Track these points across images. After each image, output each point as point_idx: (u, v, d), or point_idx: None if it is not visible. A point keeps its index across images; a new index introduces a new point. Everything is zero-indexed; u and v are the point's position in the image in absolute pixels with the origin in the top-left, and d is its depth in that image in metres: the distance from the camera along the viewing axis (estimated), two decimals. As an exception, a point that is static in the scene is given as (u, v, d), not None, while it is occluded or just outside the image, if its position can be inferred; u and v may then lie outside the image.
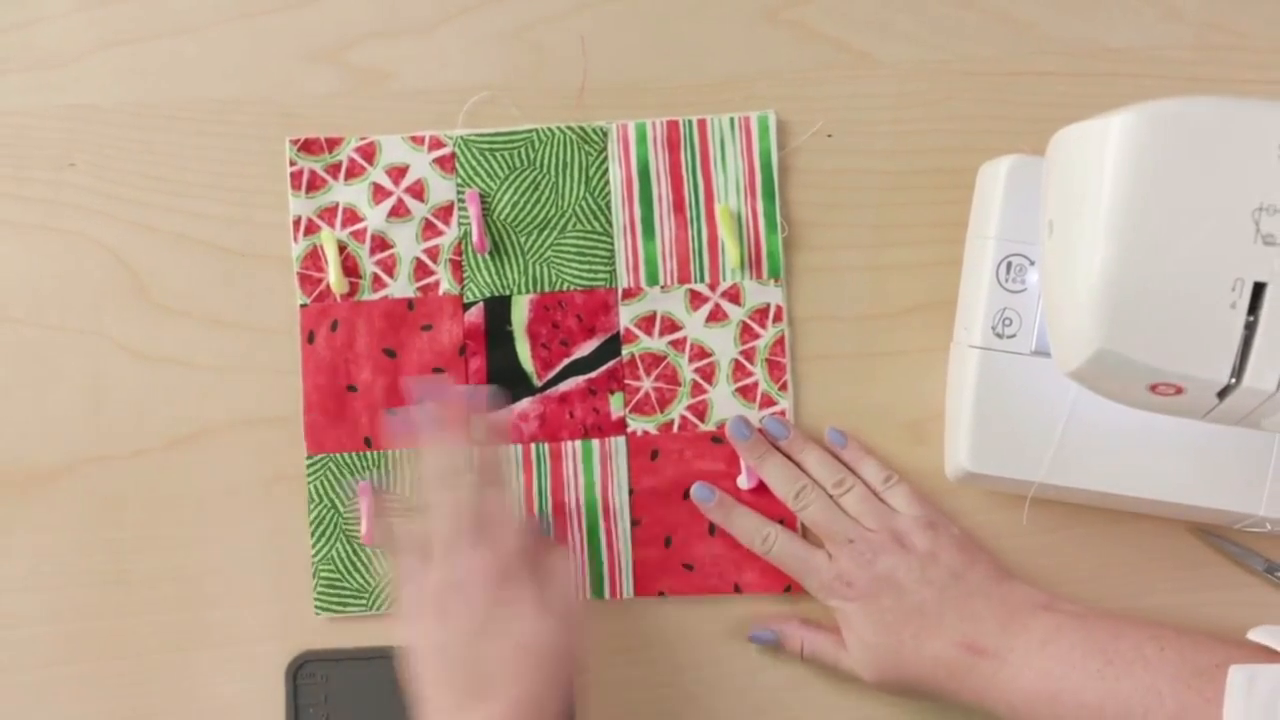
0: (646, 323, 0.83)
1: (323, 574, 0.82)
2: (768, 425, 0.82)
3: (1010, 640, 0.73)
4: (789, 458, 0.82)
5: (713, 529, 0.82)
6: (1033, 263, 0.77)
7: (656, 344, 0.83)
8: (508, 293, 0.83)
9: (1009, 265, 0.77)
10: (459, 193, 0.83)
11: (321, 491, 0.82)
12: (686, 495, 0.83)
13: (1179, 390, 0.63)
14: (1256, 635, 0.68)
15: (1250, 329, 0.61)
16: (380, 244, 0.83)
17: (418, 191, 0.83)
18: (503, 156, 0.83)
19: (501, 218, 0.83)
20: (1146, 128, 0.62)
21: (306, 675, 0.82)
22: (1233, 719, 0.64)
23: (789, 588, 0.82)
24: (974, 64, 0.84)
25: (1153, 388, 0.63)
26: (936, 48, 0.84)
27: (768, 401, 0.83)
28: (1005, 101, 0.83)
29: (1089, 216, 0.63)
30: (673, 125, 0.83)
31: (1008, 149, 0.79)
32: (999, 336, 0.77)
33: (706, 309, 0.83)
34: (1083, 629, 0.73)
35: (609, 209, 0.83)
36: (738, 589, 0.82)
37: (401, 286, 0.83)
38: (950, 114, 0.84)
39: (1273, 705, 0.63)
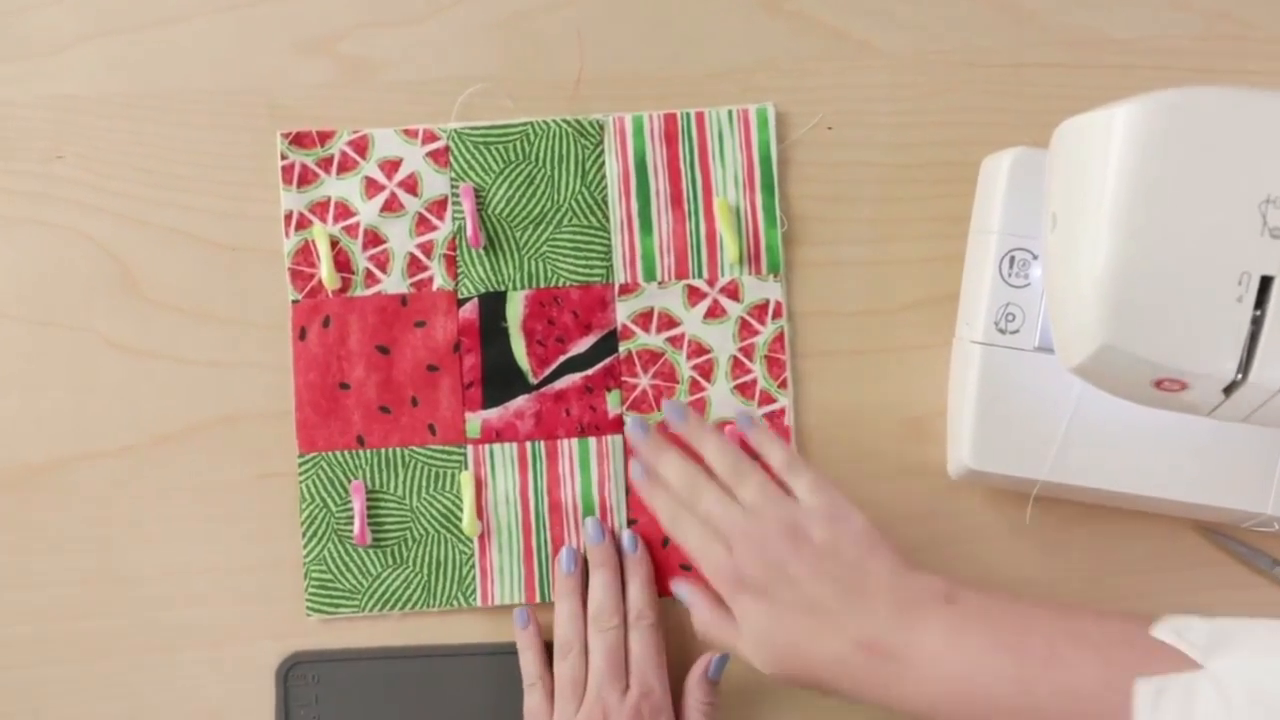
0: (644, 319, 0.84)
1: (314, 575, 0.83)
2: (666, 412, 0.80)
3: (912, 638, 0.70)
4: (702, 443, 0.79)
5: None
6: (1036, 257, 0.77)
7: (654, 340, 0.84)
8: (503, 288, 0.83)
9: (1012, 259, 0.77)
10: (453, 187, 0.84)
11: (313, 491, 0.82)
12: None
13: (1184, 386, 0.63)
14: (1162, 633, 0.64)
15: (1257, 323, 0.61)
16: (373, 239, 0.83)
17: (411, 186, 0.84)
18: (497, 150, 0.83)
19: (496, 212, 0.83)
20: (1152, 119, 0.63)
21: (297, 676, 0.82)
22: None
23: None
24: (976, 54, 0.84)
25: (1157, 383, 0.63)
26: (938, 38, 0.84)
27: (767, 399, 0.83)
28: (1008, 93, 0.84)
29: (1093, 210, 0.63)
30: (670, 118, 0.83)
31: (1011, 141, 0.79)
32: (1002, 332, 0.77)
33: (705, 305, 0.84)
34: (988, 625, 0.69)
35: (605, 203, 0.83)
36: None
37: (395, 282, 0.83)
38: (952, 106, 0.84)
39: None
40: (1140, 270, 0.62)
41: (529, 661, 0.80)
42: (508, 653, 0.81)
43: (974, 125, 0.83)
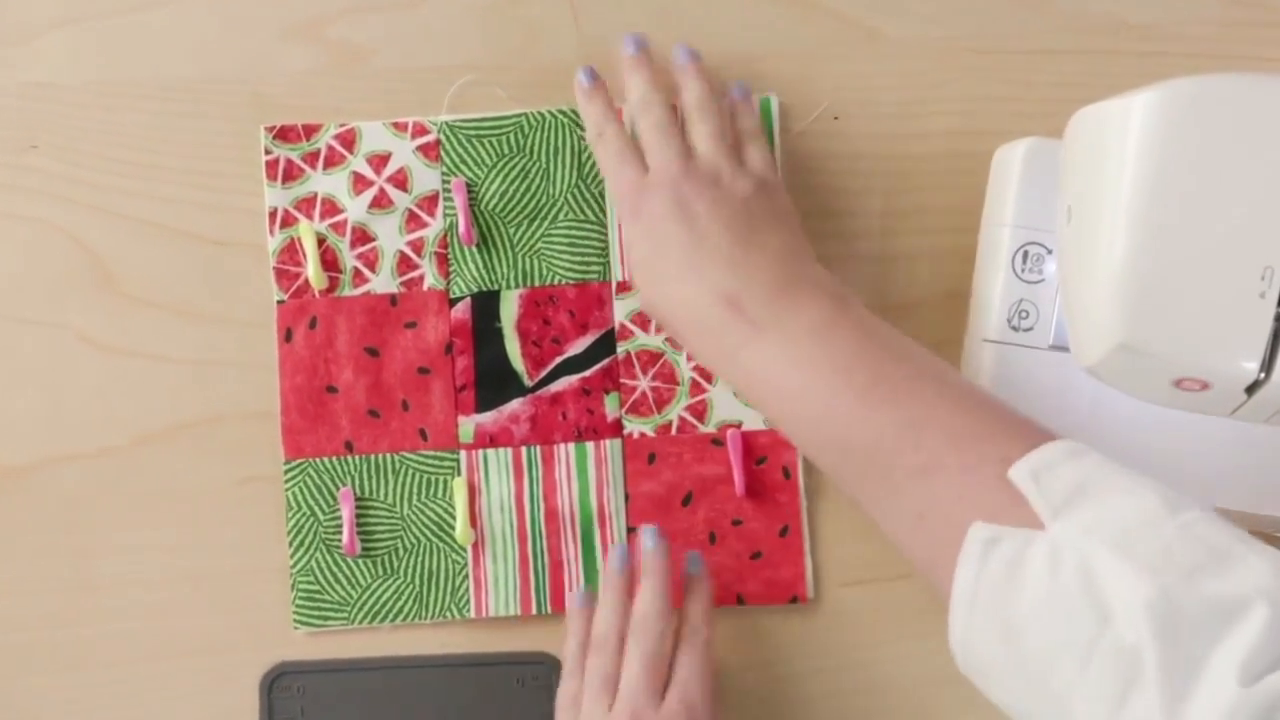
0: (642, 318, 0.83)
1: (301, 586, 0.82)
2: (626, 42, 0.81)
3: (775, 313, 0.71)
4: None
5: (714, 538, 0.82)
6: (1050, 252, 0.77)
7: (653, 340, 0.83)
8: (496, 287, 0.83)
9: (1025, 254, 0.77)
10: (444, 182, 0.83)
11: (300, 499, 0.82)
12: (686, 502, 0.83)
13: (1205, 386, 0.63)
14: (1019, 475, 0.61)
15: (1281, 320, 0.61)
16: (361, 236, 0.83)
17: (400, 181, 0.83)
18: (490, 143, 0.83)
19: (489, 208, 0.83)
20: (1170, 107, 0.62)
21: (282, 687, 0.82)
22: (962, 586, 0.60)
23: (795, 599, 0.82)
24: (988, 41, 0.84)
25: (1177, 383, 0.63)
26: (948, 24, 0.84)
27: (772, 399, 0.83)
28: (1021, 81, 0.84)
29: (1109, 202, 0.63)
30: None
31: (1024, 131, 0.79)
32: (1015, 330, 0.77)
33: (706, 303, 0.83)
34: (863, 337, 0.70)
35: (602, 197, 0.83)
36: (741, 600, 0.83)
37: (384, 281, 0.83)
38: (963, 95, 0.84)
39: (1007, 580, 0.59)
40: (1159, 265, 0.62)
41: (573, 648, 0.78)
42: (499, 663, 0.81)
43: (986, 115, 0.83)
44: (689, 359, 0.83)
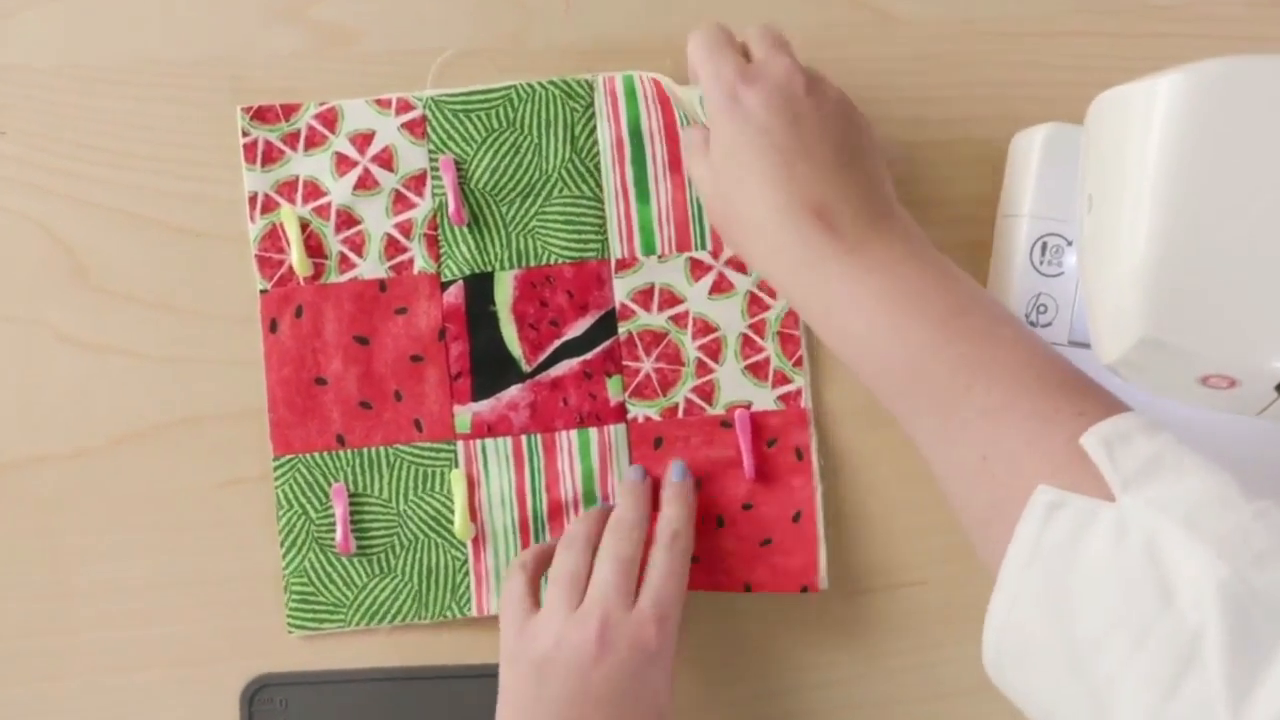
0: (644, 296, 0.83)
1: (295, 588, 0.82)
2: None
3: (864, 236, 0.70)
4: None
5: (721, 522, 0.83)
6: (1070, 243, 0.77)
7: (656, 320, 0.83)
8: (489, 269, 0.83)
9: (1044, 246, 0.77)
10: (432, 160, 0.83)
11: (291, 497, 0.82)
12: (695, 488, 0.83)
13: (1232, 383, 0.63)
14: (1090, 444, 0.61)
15: (1313, 314, 0.61)
16: (346, 220, 0.83)
17: (386, 160, 0.82)
18: (479, 118, 0.82)
19: (480, 186, 0.82)
20: (1195, 90, 0.62)
21: (264, 700, 0.82)
22: (1020, 545, 0.60)
23: (805, 588, 0.82)
24: (1006, 23, 0.84)
25: (1203, 380, 0.63)
26: (965, 6, 0.84)
27: (781, 379, 0.83)
28: (1040, 64, 0.84)
29: (1132, 190, 0.63)
30: (658, 82, 0.82)
31: (1043, 117, 0.79)
32: (1033, 325, 0.77)
33: (709, 279, 0.83)
34: (945, 274, 0.70)
35: (598, 171, 0.82)
36: (748, 588, 0.83)
37: (372, 266, 0.82)
38: (980, 79, 0.84)
39: (1068, 545, 0.58)
40: (1185, 256, 0.62)
41: (525, 557, 0.80)
42: (489, 674, 0.79)
43: (1003, 99, 0.83)
44: (693, 339, 0.83)
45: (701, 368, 0.83)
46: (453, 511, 0.82)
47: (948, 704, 0.83)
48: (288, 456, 0.82)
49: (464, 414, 0.82)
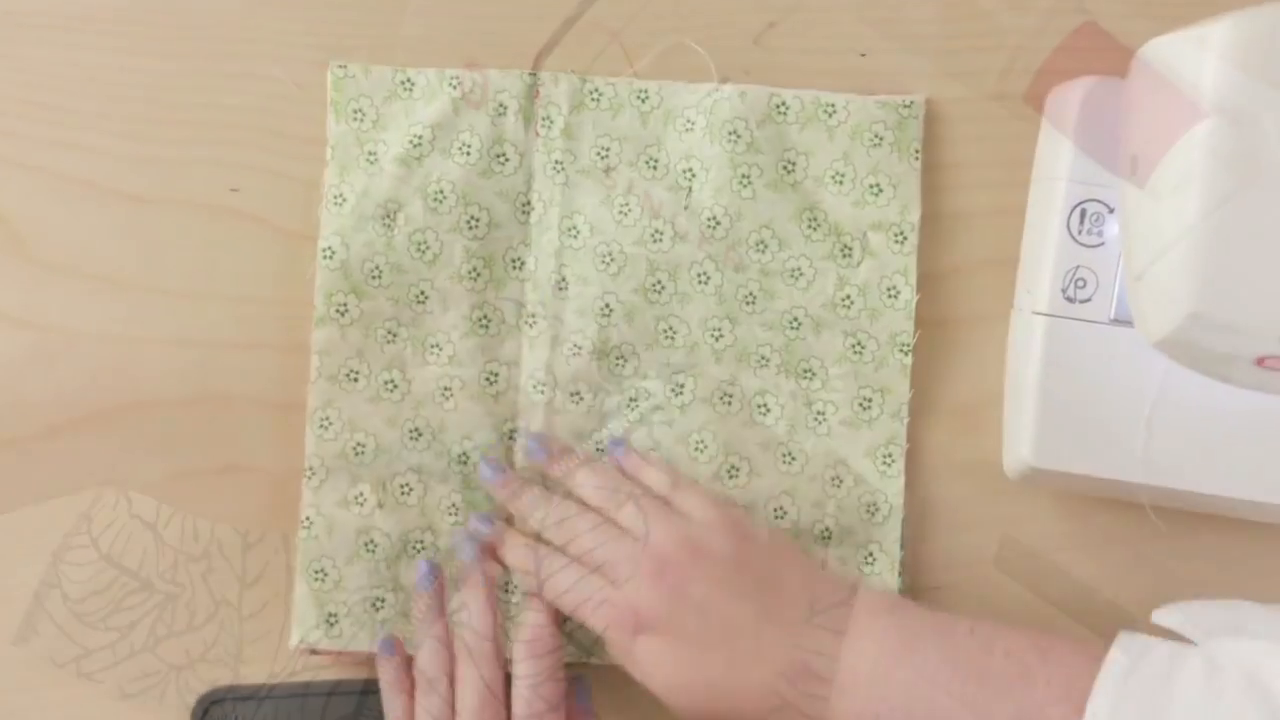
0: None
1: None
2: (528, 448, 0.81)
3: (844, 658, 0.71)
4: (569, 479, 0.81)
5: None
6: (1112, 210, 0.76)
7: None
8: None
9: (1083, 213, 0.77)
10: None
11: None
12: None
13: (1293, 365, 0.63)
14: (1162, 617, 0.67)
15: (1381, 286, 0.61)
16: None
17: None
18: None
19: None
20: (1250, 38, 0.62)
21: (216, 716, 0.82)
22: (1101, 699, 0.63)
23: None
24: (1046, -30, 0.84)
25: (1259, 361, 0.63)
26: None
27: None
28: (1078, 12, 0.82)
29: (1181, 151, 0.63)
30: None
31: (1081, 70, 0.79)
32: (1070, 301, 0.77)
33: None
34: (943, 636, 0.71)
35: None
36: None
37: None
38: (1011, 28, 0.83)
39: (1158, 689, 0.62)
40: (1238, 224, 0.61)
41: (398, 708, 0.79)
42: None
43: (1037, 51, 0.82)
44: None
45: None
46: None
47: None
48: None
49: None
